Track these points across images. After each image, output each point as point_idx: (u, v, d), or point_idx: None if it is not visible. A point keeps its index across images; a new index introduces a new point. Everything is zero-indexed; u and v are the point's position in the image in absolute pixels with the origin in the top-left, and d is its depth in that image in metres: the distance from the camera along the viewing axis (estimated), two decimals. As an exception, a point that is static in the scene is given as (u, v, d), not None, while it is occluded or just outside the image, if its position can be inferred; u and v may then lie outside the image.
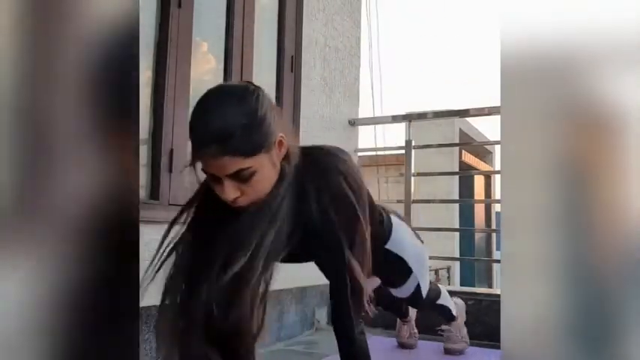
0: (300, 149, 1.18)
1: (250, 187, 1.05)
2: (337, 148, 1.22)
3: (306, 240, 1.14)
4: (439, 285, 1.95)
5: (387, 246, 1.49)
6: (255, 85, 1.10)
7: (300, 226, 1.12)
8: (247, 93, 1.05)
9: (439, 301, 1.92)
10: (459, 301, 2.23)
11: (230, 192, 1.04)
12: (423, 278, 1.60)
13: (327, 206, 1.11)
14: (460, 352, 2.16)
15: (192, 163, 1.05)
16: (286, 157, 1.11)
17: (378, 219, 1.43)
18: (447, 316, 2.06)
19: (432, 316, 2.10)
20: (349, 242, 1.14)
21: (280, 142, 1.08)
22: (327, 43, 3.02)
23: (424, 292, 1.63)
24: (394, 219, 1.52)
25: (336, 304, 1.18)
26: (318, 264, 1.24)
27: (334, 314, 1.20)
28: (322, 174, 1.13)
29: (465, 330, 2.20)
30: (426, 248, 1.65)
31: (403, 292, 1.64)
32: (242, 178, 1.03)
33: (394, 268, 1.54)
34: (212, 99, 1.05)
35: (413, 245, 1.55)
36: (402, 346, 2.27)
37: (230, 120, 1.00)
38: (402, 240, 1.51)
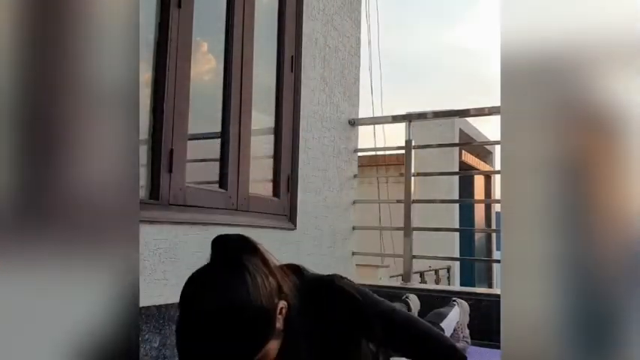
0: (301, 281, 1.20)
1: None
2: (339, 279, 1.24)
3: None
4: (442, 325, 1.96)
5: None
6: (236, 255, 1.06)
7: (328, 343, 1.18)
8: (238, 285, 1.01)
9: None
10: (464, 302, 2.24)
11: None
12: None
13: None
14: None
15: None
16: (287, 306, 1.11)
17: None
18: None
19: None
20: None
21: (282, 309, 1.08)
22: (327, 43, 3.02)
23: None
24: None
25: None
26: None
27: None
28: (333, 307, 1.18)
29: (467, 331, 2.21)
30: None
31: None
32: None
33: None
34: (205, 304, 1.00)
35: None
36: None
37: (233, 336, 0.97)
38: None
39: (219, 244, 1.11)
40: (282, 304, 1.08)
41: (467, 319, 2.24)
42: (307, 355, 1.18)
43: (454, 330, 2.18)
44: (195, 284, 1.05)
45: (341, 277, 1.26)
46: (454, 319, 2.07)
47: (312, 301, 1.17)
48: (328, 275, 1.26)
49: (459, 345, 2.16)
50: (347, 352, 1.24)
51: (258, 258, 1.09)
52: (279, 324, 1.07)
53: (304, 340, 1.15)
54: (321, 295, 1.20)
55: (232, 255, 1.07)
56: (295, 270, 1.23)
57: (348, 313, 1.20)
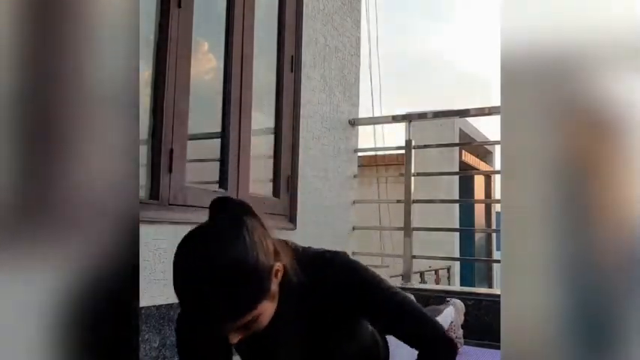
0: (301, 254, 1.18)
1: (254, 327, 1.04)
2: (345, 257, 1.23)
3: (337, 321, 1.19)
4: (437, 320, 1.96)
5: None
6: (234, 215, 1.04)
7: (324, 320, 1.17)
8: (234, 238, 0.99)
9: None
10: (459, 302, 2.24)
11: (234, 338, 1.03)
12: None
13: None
14: None
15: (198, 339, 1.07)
16: (284, 274, 1.09)
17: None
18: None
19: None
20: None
21: (277, 271, 1.06)
22: (327, 43, 3.02)
23: None
24: (390, 338, 1.53)
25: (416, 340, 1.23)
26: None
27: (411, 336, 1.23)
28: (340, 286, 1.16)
29: (460, 331, 2.21)
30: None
31: None
32: (246, 327, 1.02)
33: None
34: (196, 262, 0.97)
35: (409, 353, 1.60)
36: None
37: (227, 289, 0.95)
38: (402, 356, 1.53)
39: (219, 202, 1.08)
40: (278, 266, 1.05)
41: (461, 319, 2.23)
42: (300, 326, 1.15)
43: (447, 330, 2.18)
44: (191, 237, 1.02)
45: (344, 252, 1.23)
46: (449, 316, 2.07)
47: (312, 272, 1.14)
48: (330, 250, 1.23)
49: None
50: (344, 328, 1.23)
51: (257, 221, 1.06)
52: (274, 286, 1.04)
53: (299, 310, 1.13)
54: (323, 267, 1.17)
55: (231, 213, 1.05)
56: (290, 244, 1.21)
57: (349, 287, 1.16)
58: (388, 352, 1.51)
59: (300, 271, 1.12)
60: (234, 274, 0.96)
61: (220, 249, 0.97)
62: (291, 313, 1.11)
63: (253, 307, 0.99)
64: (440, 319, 1.96)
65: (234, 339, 1.02)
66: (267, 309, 1.04)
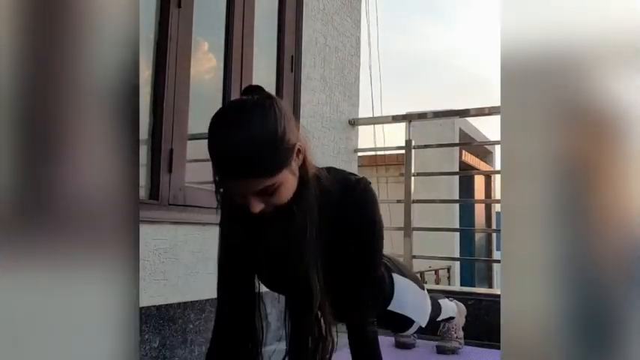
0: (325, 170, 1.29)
1: (275, 198, 1.10)
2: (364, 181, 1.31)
3: (334, 237, 1.23)
4: (439, 300, 1.97)
5: (390, 307, 1.53)
6: (268, 95, 1.13)
7: (327, 229, 1.21)
8: (265, 109, 1.07)
9: (440, 318, 1.97)
10: (461, 304, 2.24)
11: (256, 206, 1.09)
12: (424, 319, 1.67)
13: (358, 214, 1.25)
14: (452, 352, 2.16)
15: (218, 188, 1.15)
16: (303, 165, 1.17)
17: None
18: (449, 321, 2.10)
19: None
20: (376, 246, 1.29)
21: (299, 150, 1.14)
22: (327, 43, 3.02)
23: (424, 324, 1.70)
24: (396, 278, 1.56)
25: (356, 293, 1.27)
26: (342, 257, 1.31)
27: (352, 302, 1.27)
28: (357, 200, 1.25)
29: (461, 332, 2.21)
30: (426, 293, 1.71)
31: (406, 332, 1.76)
32: (267, 193, 1.08)
33: (397, 322, 1.62)
34: (231, 119, 1.07)
35: (414, 300, 1.60)
36: (401, 345, 2.27)
37: (254, 144, 1.03)
38: (405, 301, 1.56)
39: (254, 87, 1.17)
40: (300, 145, 1.14)
41: (463, 321, 2.24)
42: (312, 224, 1.19)
43: (447, 329, 2.18)
44: (229, 104, 1.15)
45: (369, 182, 1.30)
46: (451, 310, 2.06)
47: (334, 182, 1.24)
48: (357, 175, 1.33)
49: (452, 344, 2.16)
50: (340, 252, 1.25)
51: (287, 108, 1.14)
52: (294, 163, 1.12)
53: (312, 209, 1.18)
54: (345, 182, 1.26)
55: (264, 93, 1.14)
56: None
57: (357, 216, 1.24)
58: (393, 290, 1.52)
59: (323, 173, 1.24)
60: (262, 135, 1.04)
61: (253, 113, 1.06)
62: (305, 212, 1.17)
63: (276, 170, 1.06)
64: (443, 305, 1.96)
65: (256, 206, 1.08)
66: (287, 181, 1.10)
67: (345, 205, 1.23)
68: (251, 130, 1.03)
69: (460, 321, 2.20)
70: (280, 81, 2.65)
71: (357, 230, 1.25)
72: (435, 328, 2.21)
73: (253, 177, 1.05)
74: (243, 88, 1.18)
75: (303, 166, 1.17)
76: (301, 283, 1.17)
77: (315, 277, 1.17)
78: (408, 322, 1.61)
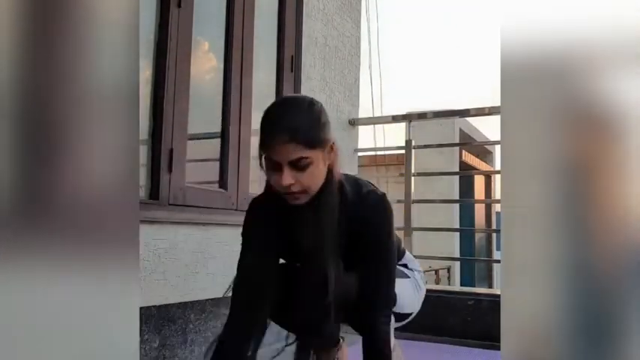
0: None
1: (304, 177, 1.22)
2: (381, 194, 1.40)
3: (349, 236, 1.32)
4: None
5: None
6: (316, 100, 1.31)
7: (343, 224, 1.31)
8: (312, 104, 1.28)
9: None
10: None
11: (288, 178, 1.20)
12: (418, 307, 1.70)
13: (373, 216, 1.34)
14: None
15: (262, 155, 1.25)
16: (331, 166, 1.30)
17: None
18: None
19: (433, 316, 2.10)
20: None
21: (332, 147, 1.28)
22: (327, 43, 3.02)
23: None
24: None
25: (372, 293, 1.33)
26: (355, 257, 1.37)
27: (367, 303, 1.33)
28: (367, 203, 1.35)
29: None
30: (423, 293, 1.72)
31: (403, 323, 1.73)
32: (300, 166, 1.20)
33: (396, 319, 1.60)
34: (283, 105, 1.30)
35: (411, 300, 1.62)
36: None
37: (299, 118, 1.22)
38: (403, 305, 1.56)
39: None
40: (333, 143, 1.29)
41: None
42: (331, 219, 1.29)
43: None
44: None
45: (385, 195, 1.39)
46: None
47: (354, 188, 1.35)
48: (374, 185, 1.43)
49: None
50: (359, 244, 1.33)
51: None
52: (327, 155, 1.27)
53: (332, 211, 1.29)
54: (369, 200, 1.35)
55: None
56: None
57: (370, 219, 1.32)
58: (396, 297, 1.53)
59: (348, 182, 1.36)
60: (307, 115, 1.24)
61: (304, 101, 1.28)
62: (327, 206, 1.29)
63: (312, 143, 1.21)
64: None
65: (287, 178, 1.20)
66: (317, 165, 1.23)
67: (361, 216, 1.33)
68: (300, 109, 1.25)
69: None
70: (280, 81, 2.65)
71: (368, 243, 1.34)
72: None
73: (292, 142, 1.18)
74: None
75: (331, 168, 1.30)
76: (319, 264, 1.27)
77: (332, 267, 1.26)
78: (404, 317, 1.63)
